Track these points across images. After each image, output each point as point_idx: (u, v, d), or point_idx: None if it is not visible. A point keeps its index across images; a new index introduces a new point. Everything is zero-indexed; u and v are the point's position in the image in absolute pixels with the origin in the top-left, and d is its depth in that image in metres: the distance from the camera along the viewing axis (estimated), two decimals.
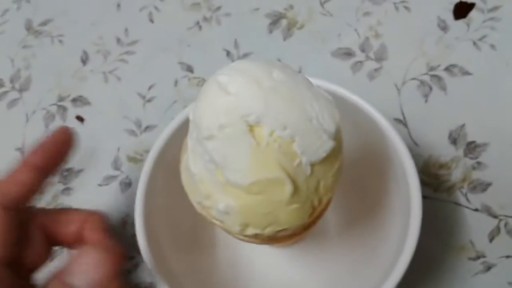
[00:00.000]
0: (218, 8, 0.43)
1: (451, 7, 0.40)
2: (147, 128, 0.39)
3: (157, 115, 0.39)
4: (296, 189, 0.21)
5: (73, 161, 0.38)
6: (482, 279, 0.31)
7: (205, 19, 0.43)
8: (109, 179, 0.37)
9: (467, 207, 0.33)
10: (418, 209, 0.26)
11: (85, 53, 0.43)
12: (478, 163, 0.34)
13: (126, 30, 0.44)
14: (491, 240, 0.32)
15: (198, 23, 0.43)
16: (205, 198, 0.21)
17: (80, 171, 0.38)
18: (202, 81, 0.40)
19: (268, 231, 0.21)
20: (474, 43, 0.38)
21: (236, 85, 0.20)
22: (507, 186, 0.33)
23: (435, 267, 0.32)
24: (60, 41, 0.44)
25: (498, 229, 0.32)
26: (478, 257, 0.31)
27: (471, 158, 0.34)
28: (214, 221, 0.22)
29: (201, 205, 0.22)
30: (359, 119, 0.29)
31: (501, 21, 0.38)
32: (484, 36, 0.38)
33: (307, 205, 0.21)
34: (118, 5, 0.45)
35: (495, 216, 0.32)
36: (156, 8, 0.45)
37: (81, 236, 0.26)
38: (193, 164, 0.21)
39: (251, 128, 0.20)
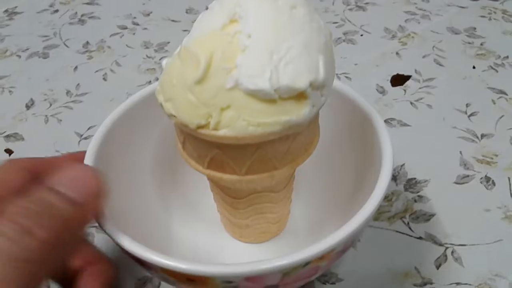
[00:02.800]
0: None
1: (389, 78, 0.42)
2: None
3: None
4: (203, 81, 0.20)
5: None
6: None
7: (157, 79, 0.44)
8: None
9: (410, 235, 0.30)
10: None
11: (31, 100, 0.43)
12: (420, 196, 0.32)
13: (78, 85, 0.44)
14: (438, 267, 0.28)
15: (150, 82, 0.44)
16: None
17: None
18: None
19: (167, 106, 0.21)
20: (412, 103, 0.39)
21: None
22: (451, 217, 0.31)
23: None
24: (10, 91, 0.45)
25: (445, 256, 0.29)
26: (424, 284, 0.27)
27: (412, 192, 0.32)
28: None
29: None
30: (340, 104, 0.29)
31: (436, 88, 0.41)
32: (420, 98, 0.40)
33: (202, 111, 0.20)
34: (76, 68, 0.47)
35: (441, 244, 0.29)
36: (111, 70, 0.46)
37: None
38: None
39: (232, 19, 0.20)
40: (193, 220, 0.30)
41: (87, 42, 0.50)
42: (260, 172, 0.22)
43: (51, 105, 0.42)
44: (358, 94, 0.28)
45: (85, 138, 0.39)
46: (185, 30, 0.51)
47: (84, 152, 0.26)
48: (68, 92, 0.44)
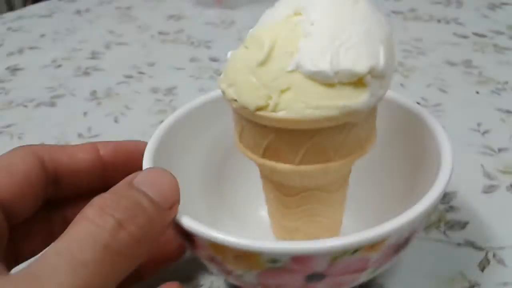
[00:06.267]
0: None
1: None
2: None
3: None
4: (265, 63, 0.21)
5: None
6: None
7: None
8: None
9: (449, 242, 0.29)
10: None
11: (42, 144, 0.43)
12: (451, 207, 0.32)
13: (89, 128, 0.44)
14: (482, 270, 0.27)
15: (162, 121, 0.44)
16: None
17: None
18: None
19: (229, 92, 0.22)
20: None
21: None
22: (485, 223, 0.30)
23: None
24: (20, 137, 0.44)
25: (487, 259, 0.28)
26: (472, 286, 0.27)
27: (442, 203, 0.32)
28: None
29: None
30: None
31: (445, 112, 0.42)
32: None
33: (262, 92, 0.21)
34: (85, 113, 0.47)
35: (481, 249, 0.29)
36: (122, 113, 0.46)
37: None
38: None
39: (296, 11, 0.22)
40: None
41: (95, 91, 0.51)
42: (314, 163, 0.22)
43: None
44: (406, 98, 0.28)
45: None
46: (191, 76, 0.52)
47: (95, 144, 0.27)
48: (80, 135, 0.43)
